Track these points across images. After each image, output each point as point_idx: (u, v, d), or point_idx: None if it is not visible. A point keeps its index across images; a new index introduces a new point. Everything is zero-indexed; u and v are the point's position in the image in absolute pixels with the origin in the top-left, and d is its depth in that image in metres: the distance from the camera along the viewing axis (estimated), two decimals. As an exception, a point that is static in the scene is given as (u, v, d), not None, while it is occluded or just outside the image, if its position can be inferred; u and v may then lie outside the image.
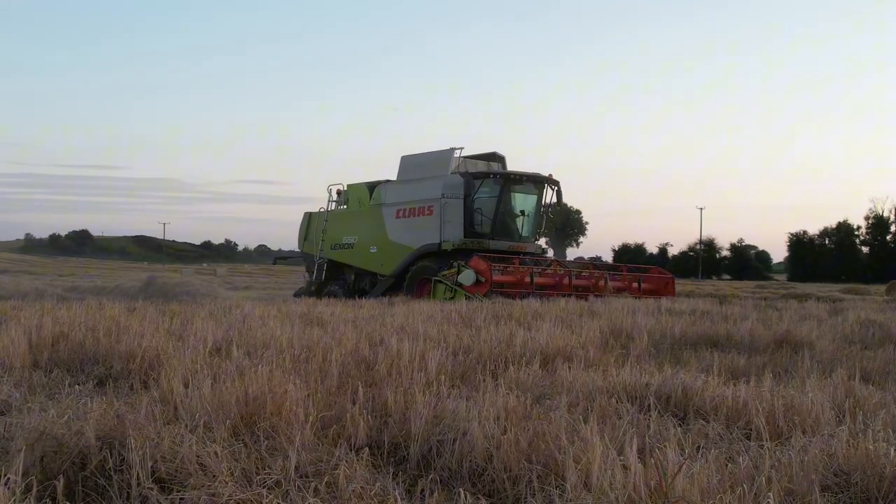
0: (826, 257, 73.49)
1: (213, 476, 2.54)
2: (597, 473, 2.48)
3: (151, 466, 2.59)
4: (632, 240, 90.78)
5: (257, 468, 2.65)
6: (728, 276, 77.00)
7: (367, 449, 2.88)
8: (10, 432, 2.98)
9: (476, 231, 16.84)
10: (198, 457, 2.63)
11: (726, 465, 2.65)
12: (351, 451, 2.87)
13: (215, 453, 2.64)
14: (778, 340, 6.56)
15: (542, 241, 18.60)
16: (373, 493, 2.46)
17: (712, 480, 2.43)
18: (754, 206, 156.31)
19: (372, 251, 18.39)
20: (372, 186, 18.92)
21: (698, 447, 3.04)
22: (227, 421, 3.07)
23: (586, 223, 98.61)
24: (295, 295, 18.85)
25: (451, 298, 13.74)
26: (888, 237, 72.67)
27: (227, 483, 2.47)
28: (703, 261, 78.32)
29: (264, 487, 2.50)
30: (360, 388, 3.64)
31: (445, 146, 17.90)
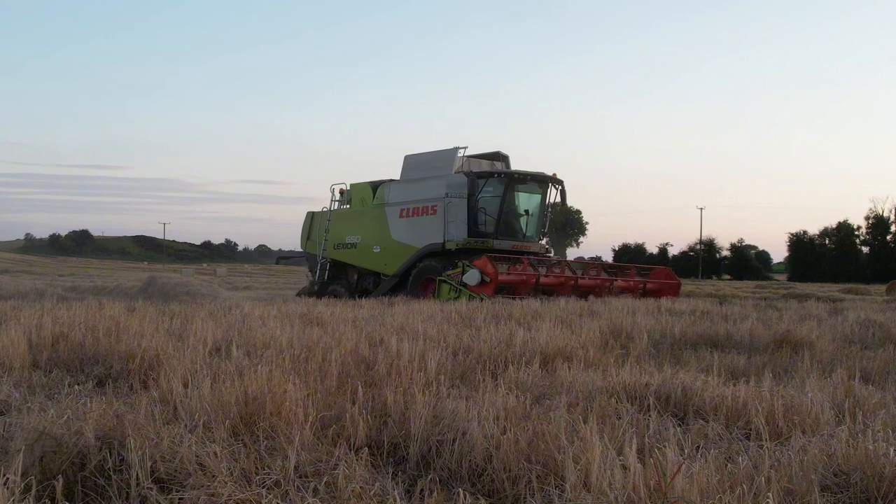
0: (826, 257, 73.37)
1: (213, 476, 2.53)
2: (596, 473, 2.48)
3: (151, 466, 2.59)
4: (632, 240, 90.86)
5: (257, 468, 2.65)
6: (728, 276, 76.82)
7: (366, 449, 2.88)
8: (9, 432, 2.98)
9: (480, 231, 16.79)
10: (197, 457, 2.63)
11: (726, 465, 2.65)
12: (350, 451, 2.87)
13: (215, 453, 2.64)
14: (778, 340, 6.55)
15: (544, 241, 18.51)
16: (372, 493, 2.46)
17: (711, 480, 2.43)
18: (754, 206, 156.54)
19: (375, 251, 18.35)
20: (375, 186, 18.86)
21: (698, 447, 3.04)
22: (227, 421, 3.08)
23: (586, 223, 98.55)
24: (298, 295, 18.82)
25: (456, 298, 13.72)
26: (888, 237, 72.57)
27: (226, 483, 2.47)
28: (703, 261, 78.27)
29: (263, 487, 2.50)
30: (359, 388, 3.63)
31: (449, 145, 17.91)
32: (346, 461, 2.65)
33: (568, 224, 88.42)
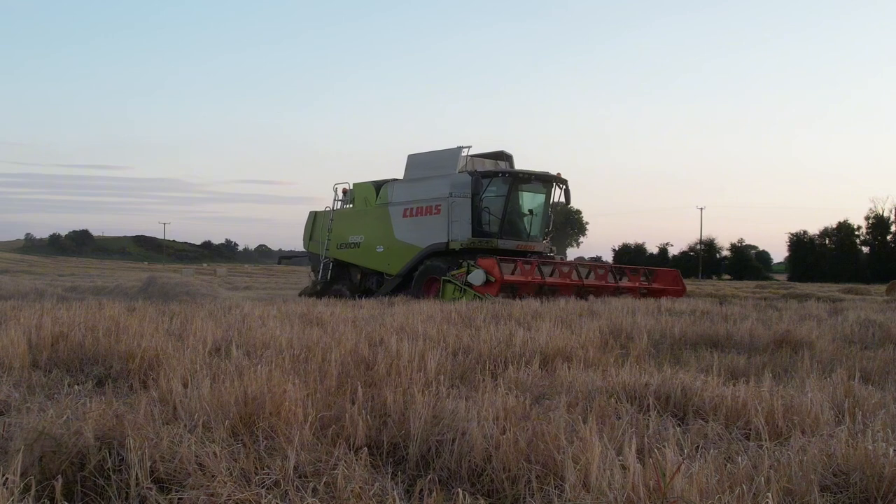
0: (826, 257, 73.35)
1: (212, 476, 2.53)
2: (596, 473, 2.48)
3: (150, 466, 2.59)
4: (632, 240, 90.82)
5: (256, 468, 2.65)
6: (728, 276, 76.81)
7: (366, 449, 2.88)
8: (9, 432, 2.98)
9: (484, 230, 16.74)
10: (196, 457, 2.63)
11: (725, 465, 2.65)
12: (350, 451, 2.87)
13: (214, 453, 2.64)
14: (778, 340, 6.55)
15: (547, 241, 18.49)
16: (372, 493, 2.46)
17: (711, 480, 2.43)
18: (754, 206, 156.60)
19: (378, 251, 18.30)
20: (378, 185, 18.80)
21: (697, 447, 3.04)
22: (226, 421, 3.07)
23: (586, 223, 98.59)
24: (300, 295, 18.78)
25: (460, 298, 13.70)
26: (888, 237, 72.56)
27: (225, 483, 2.47)
28: (703, 261, 78.26)
29: (263, 487, 2.50)
30: (359, 388, 3.63)
31: (450, 145, 17.88)
32: (345, 461, 2.65)
33: (568, 224, 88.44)
